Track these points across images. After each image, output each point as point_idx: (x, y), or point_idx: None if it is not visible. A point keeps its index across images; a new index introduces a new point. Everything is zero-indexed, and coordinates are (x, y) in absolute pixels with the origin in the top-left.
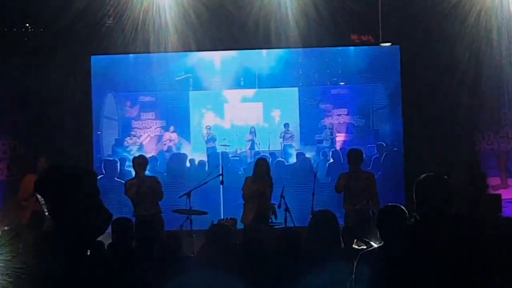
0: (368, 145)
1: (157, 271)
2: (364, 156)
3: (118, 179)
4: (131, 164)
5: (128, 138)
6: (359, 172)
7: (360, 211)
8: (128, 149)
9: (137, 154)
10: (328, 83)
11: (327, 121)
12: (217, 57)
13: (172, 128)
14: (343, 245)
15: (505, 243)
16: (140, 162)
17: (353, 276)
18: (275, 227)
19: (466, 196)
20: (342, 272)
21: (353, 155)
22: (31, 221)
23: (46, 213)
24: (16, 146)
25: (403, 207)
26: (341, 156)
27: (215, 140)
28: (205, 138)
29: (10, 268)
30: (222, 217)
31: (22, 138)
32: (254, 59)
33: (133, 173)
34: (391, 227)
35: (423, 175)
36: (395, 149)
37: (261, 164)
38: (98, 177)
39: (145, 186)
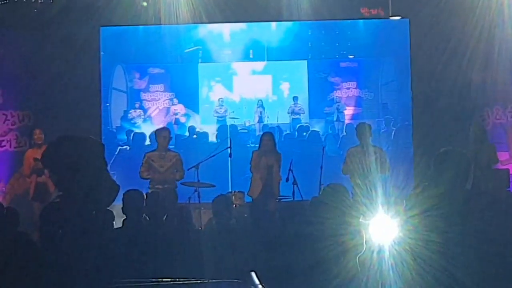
0: (377, 119)
1: (167, 243)
2: (372, 130)
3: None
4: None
5: (132, 110)
6: (369, 146)
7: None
8: (132, 121)
9: (140, 127)
10: (337, 56)
11: (335, 94)
12: (226, 29)
13: (175, 100)
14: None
15: None
16: (165, 134)
17: (364, 248)
18: (282, 200)
19: (475, 171)
20: (352, 246)
21: (362, 129)
22: (35, 194)
23: (53, 185)
24: (25, 117)
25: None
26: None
27: (226, 112)
28: (217, 110)
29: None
30: (230, 190)
31: (31, 109)
32: (263, 32)
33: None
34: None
35: (443, 149)
36: (406, 122)
37: (267, 139)
38: (126, 148)
39: (168, 160)
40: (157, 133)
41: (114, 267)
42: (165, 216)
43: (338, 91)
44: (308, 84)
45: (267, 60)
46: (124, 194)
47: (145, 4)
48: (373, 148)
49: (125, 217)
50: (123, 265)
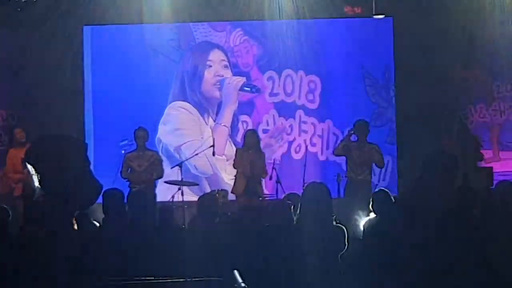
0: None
1: (149, 242)
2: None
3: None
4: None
5: None
6: (365, 143)
7: (362, 181)
8: None
9: None
10: None
11: None
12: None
13: None
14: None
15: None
16: (142, 134)
17: (346, 246)
18: (266, 198)
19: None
20: (333, 245)
21: (360, 126)
22: (24, 192)
23: (36, 183)
24: (8, 117)
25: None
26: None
27: None
28: None
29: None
30: (213, 189)
31: (14, 108)
32: None
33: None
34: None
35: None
36: (390, 120)
37: (250, 136)
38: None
39: (146, 160)
40: (135, 133)
41: (97, 267)
42: (146, 215)
43: None
44: None
45: None
46: (103, 193)
47: None
48: (368, 144)
49: (105, 217)
50: (105, 264)
